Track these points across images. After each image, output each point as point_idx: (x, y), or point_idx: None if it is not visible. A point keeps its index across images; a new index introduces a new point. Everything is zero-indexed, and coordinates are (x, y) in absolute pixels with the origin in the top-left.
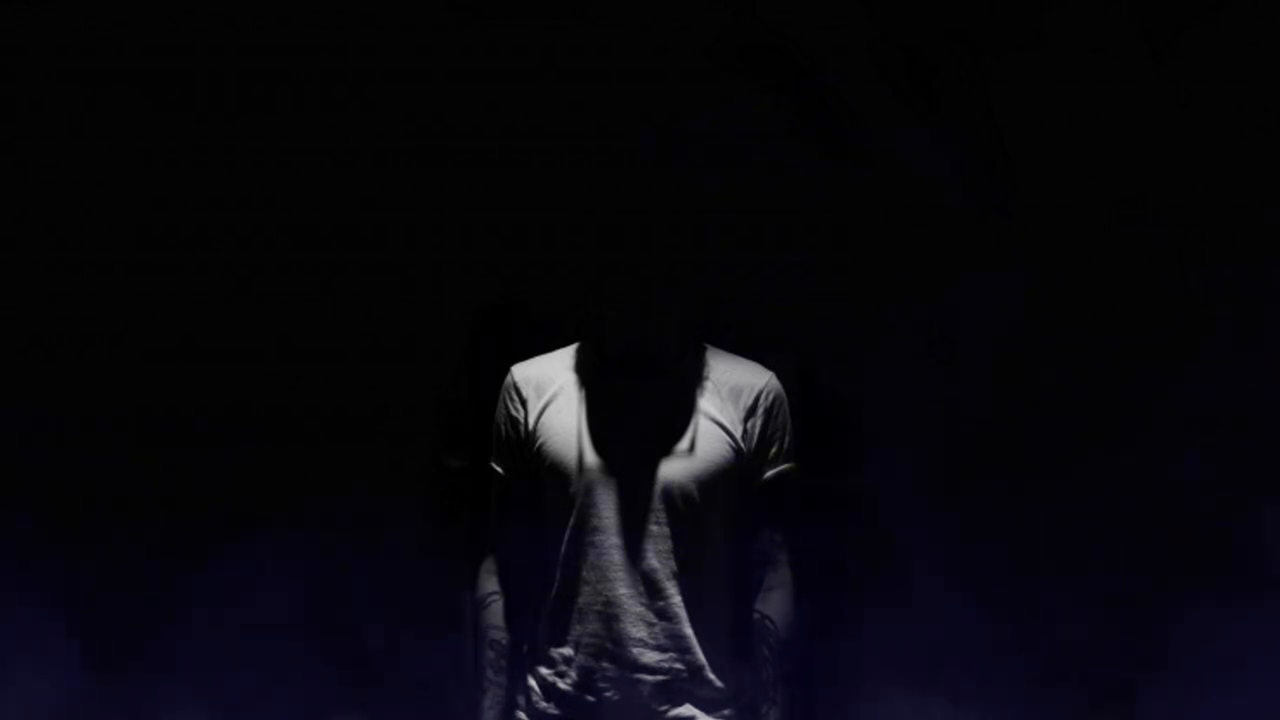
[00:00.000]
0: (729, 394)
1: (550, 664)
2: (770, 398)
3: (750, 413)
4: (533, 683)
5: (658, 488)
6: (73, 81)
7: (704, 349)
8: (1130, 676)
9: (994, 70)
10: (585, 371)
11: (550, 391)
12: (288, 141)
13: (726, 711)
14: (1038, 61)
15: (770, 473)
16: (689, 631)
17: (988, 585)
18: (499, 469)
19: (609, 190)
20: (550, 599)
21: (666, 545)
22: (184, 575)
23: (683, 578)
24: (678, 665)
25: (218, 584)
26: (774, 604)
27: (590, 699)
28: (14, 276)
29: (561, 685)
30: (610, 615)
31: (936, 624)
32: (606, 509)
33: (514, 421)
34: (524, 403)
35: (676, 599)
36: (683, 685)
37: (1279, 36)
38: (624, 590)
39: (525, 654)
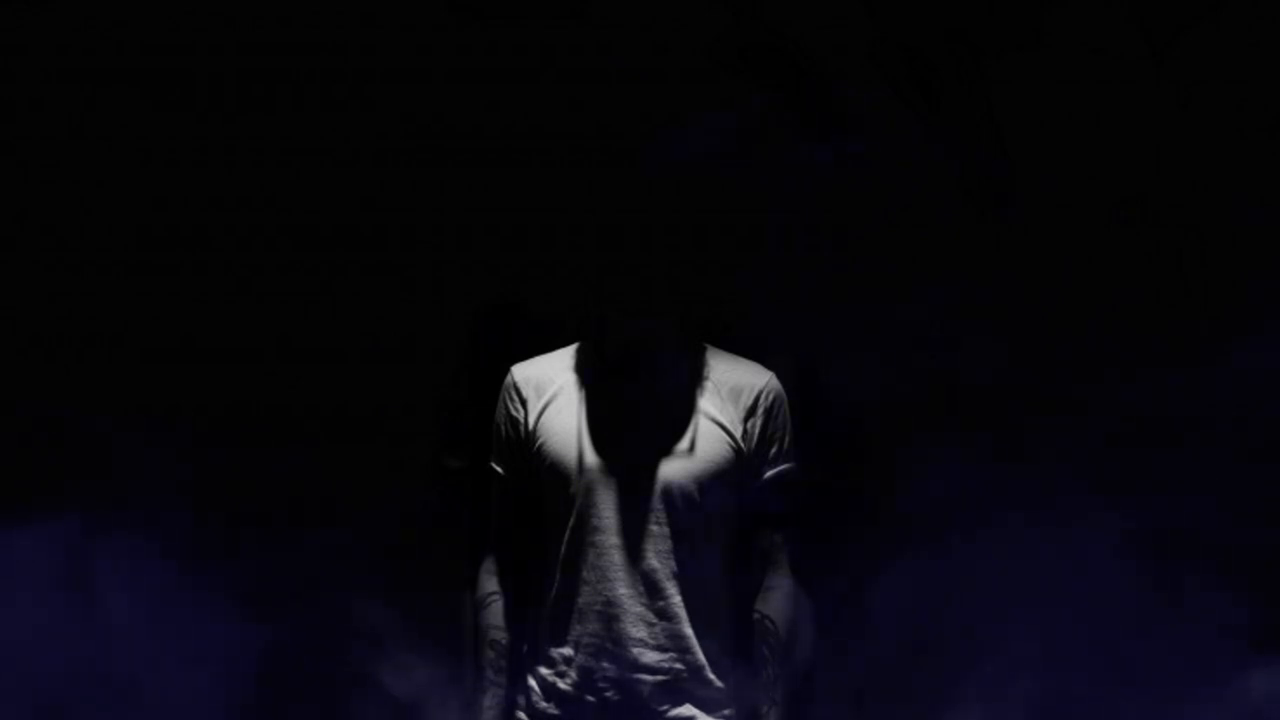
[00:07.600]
0: (729, 394)
1: (550, 664)
2: (770, 398)
3: (750, 413)
4: (533, 683)
5: (658, 488)
6: (73, 81)
7: (704, 349)
8: None
9: (994, 70)
10: (585, 371)
11: (550, 391)
12: (288, 141)
13: (726, 711)
14: (1038, 61)
15: (770, 473)
16: (689, 631)
17: (987, 584)
18: (499, 469)
19: (609, 190)
20: (550, 599)
21: (666, 545)
22: (183, 576)
23: (683, 578)
24: (678, 665)
25: (218, 584)
26: (774, 604)
27: (590, 699)
28: (14, 276)
29: (561, 685)
30: (610, 615)
31: (931, 624)
32: (606, 509)
33: (514, 421)
34: (524, 403)
35: (676, 599)
36: (683, 685)
37: (1279, 36)
38: (624, 590)
39: (525, 654)
